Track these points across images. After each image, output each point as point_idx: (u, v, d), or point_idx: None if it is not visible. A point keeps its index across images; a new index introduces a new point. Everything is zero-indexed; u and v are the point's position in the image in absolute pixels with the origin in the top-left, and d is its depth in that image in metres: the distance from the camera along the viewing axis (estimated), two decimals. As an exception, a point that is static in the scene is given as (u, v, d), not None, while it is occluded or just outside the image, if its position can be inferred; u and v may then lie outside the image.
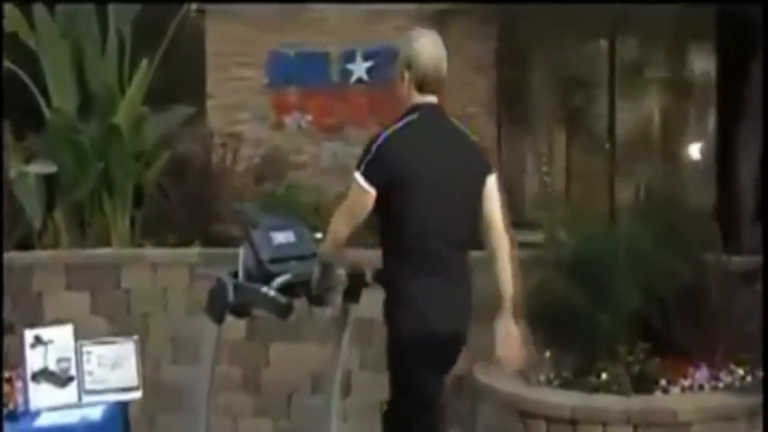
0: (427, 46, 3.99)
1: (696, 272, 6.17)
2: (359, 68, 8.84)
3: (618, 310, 5.96)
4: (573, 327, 5.92)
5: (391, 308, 3.93)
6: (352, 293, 4.61)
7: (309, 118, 8.69)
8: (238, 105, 8.96)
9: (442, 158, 3.97)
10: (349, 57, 8.86)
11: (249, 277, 4.39)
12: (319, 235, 4.76)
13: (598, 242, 6.25)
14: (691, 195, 8.67)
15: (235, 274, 4.44)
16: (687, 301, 6.13)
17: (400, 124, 3.92)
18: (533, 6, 8.16)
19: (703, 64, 9.20)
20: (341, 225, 3.92)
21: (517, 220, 4.66)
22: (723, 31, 8.42)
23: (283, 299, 4.11)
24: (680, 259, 6.13)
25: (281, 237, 4.56)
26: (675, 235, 6.29)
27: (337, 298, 4.63)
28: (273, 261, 4.37)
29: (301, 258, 4.48)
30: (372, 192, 3.86)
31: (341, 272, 4.53)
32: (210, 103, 8.97)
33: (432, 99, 4.03)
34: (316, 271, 4.39)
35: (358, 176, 3.87)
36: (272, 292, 4.11)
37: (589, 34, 8.71)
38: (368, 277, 4.57)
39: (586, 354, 6.05)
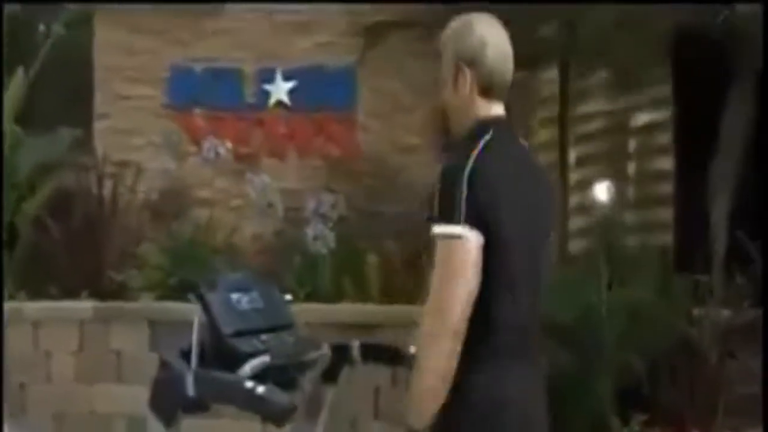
0: (495, 35, 3.00)
1: (688, 331, 6.18)
2: (279, 90, 8.06)
3: (611, 376, 5.86)
4: (564, 397, 5.33)
5: (453, 414, 2.86)
6: (330, 372, 3.73)
7: (228, 145, 7.65)
8: (134, 128, 8.07)
9: (528, 200, 2.99)
10: (267, 76, 8.09)
11: (206, 358, 3.38)
12: (289, 297, 3.82)
13: (589, 304, 6.09)
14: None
15: (187, 354, 3.37)
16: (680, 363, 6.07)
17: (479, 146, 2.89)
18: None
19: (659, 94, 8.58)
20: (452, 325, 2.81)
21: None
22: (681, 58, 7.88)
23: (282, 399, 3.07)
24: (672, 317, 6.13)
25: (246, 301, 3.64)
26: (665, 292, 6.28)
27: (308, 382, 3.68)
28: (239, 334, 3.43)
29: (275, 329, 3.58)
30: (477, 239, 2.81)
31: (325, 349, 3.65)
32: (99, 126, 8.07)
33: (501, 110, 3.02)
34: (295, 346, 3.55)
35: (458, 228, 2.79)
36: (261, 389, 3.07)
37: (538, 62, 7.96)
38: (355, 353, 3.70)
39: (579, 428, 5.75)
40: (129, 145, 7.97)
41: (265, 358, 3.35)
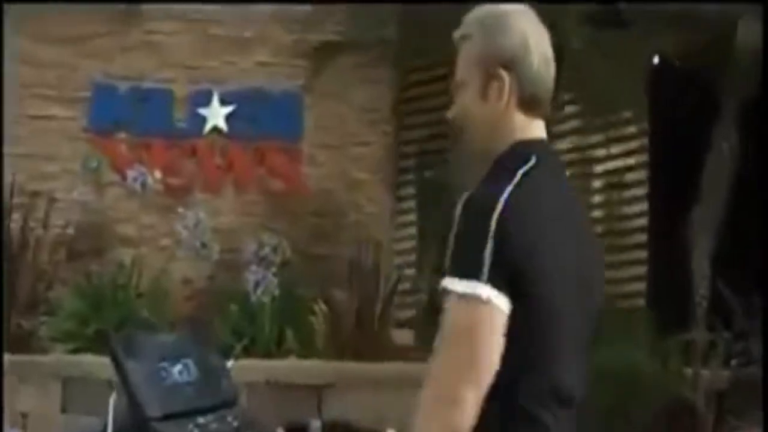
0: (538, 33, 2.40)
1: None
2: (215, 114, 7.37)
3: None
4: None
5: None
6: None
7: (157, 175, 6.92)
8: (48, 153, 7.30)
9: (576, 252, 2.39)
10: (202, 99, 7.38)
11: None
12: (230, 363, 3.16)
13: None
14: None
15: None
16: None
17: (515, 179, 2.25)
18: (439, 42, 6.86)
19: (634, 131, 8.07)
20: (462, 421, 2.16)
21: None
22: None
23: None
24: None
25: (178, 372, 2.97)
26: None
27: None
28: (168, 417, 2.83)
29: (214, 409, 2.93)
30: (506, 307, 2.18)
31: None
32: (7, 150, 7.19)
33: (543, 130, 2.40)
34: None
35: (484, 289, 2.15)
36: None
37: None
38: None
39: None
40: (42, 173, 7.22)
41: None
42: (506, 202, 2.18)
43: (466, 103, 2.34)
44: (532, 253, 2.19)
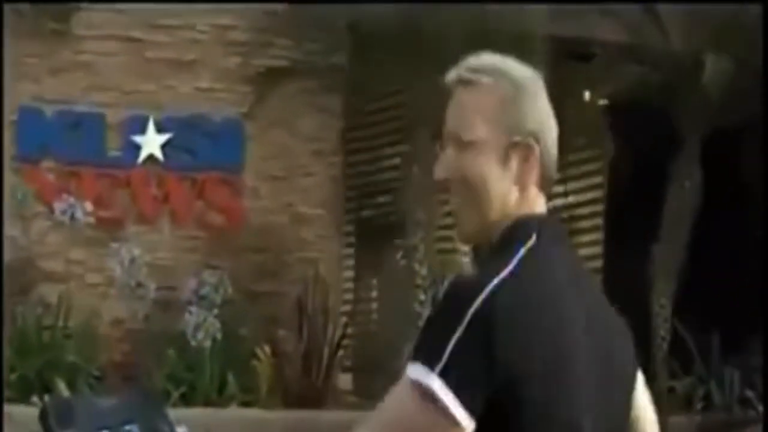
0: (548, 107, 2.03)
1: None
2: (151, 143, 6.89)
3: None
4: None
5: None
6: None
7: (87, 207, 6.40)
8: None
9: (590, 344, 1.99)
10: (137, 125, 6.90)
11: None
12: (183, 430, 2.69)
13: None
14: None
15: None
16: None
17: (512, 264, 1.86)
18: (389, 69, 6.56)
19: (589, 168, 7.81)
20: None
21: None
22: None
23: None
24: None
25: None
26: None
27: None
28: None
29: None
30: (464, 422, 1.79)
31: None
32: None
33: (544, 203, 2.03)
34: None
35: (446, 398, 1.77)
36: None
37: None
38: None
39: None
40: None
41: None
42: (489, 292, 1.81)
43: (481, 167, 1.94)
44: (531, 363, 1.82)
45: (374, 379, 6.49)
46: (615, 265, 7.52)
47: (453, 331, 1.77)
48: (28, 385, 5.64)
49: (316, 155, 6.96)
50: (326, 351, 6.12)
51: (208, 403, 5.81)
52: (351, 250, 7.16)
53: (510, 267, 1.84)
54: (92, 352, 6.16)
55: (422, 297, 6.34)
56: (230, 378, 5.93)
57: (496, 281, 1.81)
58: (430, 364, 1.76)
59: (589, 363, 1.96)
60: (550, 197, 2.02)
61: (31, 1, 6.60)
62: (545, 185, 1.96)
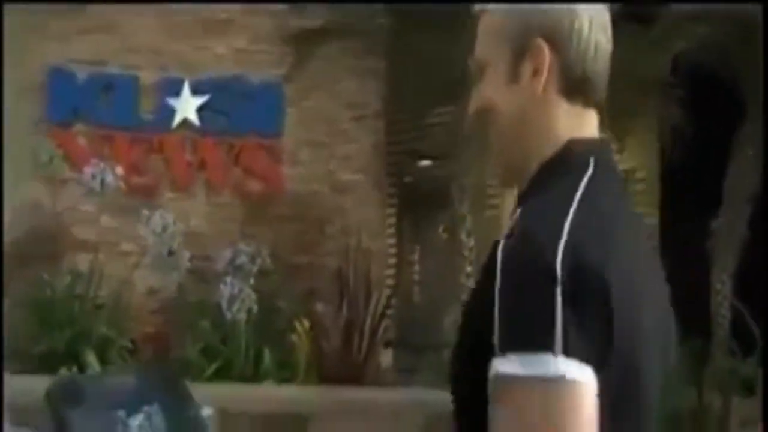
0: (592, 11, 1.75)
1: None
2: (186, 106, 6.65)
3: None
4: None
5: None
6: None
7: (119, 172, 6.18)
8: None
9: (650, 284, 1.75)
10: (172, 88, 6.66)
11: None
12: (208, 411, 2.48)
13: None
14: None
15: None
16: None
17: (576, 197, 1.60)
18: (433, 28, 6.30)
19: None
20: None
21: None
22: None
23: None
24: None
25: (136, 425, 2.27)
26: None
27: None
28: None
29: None
30: (594, 382, 1.52)
31: None
32: None
33: (595, 125, 1.75)
34: None
35: (559, 364, 1.49)
36: None
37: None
38: None
39: None
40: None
41: None
42: (570, 238, 1.53)
43: (489, 88, 1.68)
44: (612, 304, 1.54)
45: (417, 355, 6.25)
46: (672, 238, 7.22)
47: (555, 292, 1.50)
48: (56, 359, 5.44)
49: (357, 120, 6.71)
50: (367, 325, 5.86)
51: (243, 378, 5.58)
52: (393, 220, 6.88)
53: (574, 206, 1.59)
54: (124, 324, 5.95)
55: (468, 269, 6.07)
56: (266, 353, 5.69)
57: (567, 227, 1.55)
58: (543, 344, 1.48)
59: (656, 323, 1.74)
60: (603, 118, 1.77)
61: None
62: (583, 92, 1.69)
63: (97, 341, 5.71)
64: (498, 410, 1.50)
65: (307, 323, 5.77)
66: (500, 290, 1.52)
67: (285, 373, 5.70)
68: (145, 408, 2.24)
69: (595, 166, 1.65)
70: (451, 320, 5.81)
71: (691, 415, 5.68)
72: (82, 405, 2.15)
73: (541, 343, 1.46)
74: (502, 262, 1.56)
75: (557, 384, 1.45)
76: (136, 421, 2.20)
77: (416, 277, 6.90)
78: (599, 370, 1.53)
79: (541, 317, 1.47)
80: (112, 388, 2.28)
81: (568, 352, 1.44)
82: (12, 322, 5.80)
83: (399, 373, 6.27)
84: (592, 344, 1.50)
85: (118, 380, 2.39)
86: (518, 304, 1.50)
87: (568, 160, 1.66)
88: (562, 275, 1.47)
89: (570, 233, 1.51)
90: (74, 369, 5.43)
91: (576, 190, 1.59)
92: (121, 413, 2.18)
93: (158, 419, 2.24)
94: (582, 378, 1.47)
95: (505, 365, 1.47)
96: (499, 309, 1.51)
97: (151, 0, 6.52)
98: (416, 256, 6.89)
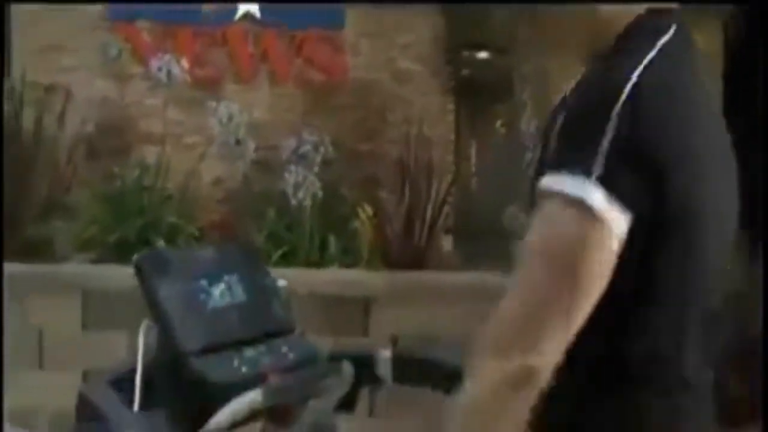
0: None
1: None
2: (248, -1, 6.69)
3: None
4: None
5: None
6: (345, 397, 2.47)
7: (185, 64, 6.30)
8: (62, 43, 6.60)
9: (720, 161, 1.83)
10: (233, -19, 6.69)
11: (156, 392, 2.21)
12: (283, 282, 2.60)
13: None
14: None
15: (124, 385, 2.19)
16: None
17: (650, 53, 1.68)
18: None
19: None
20: (544, 363, 1.62)
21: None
22: None
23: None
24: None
25: (218, 294, 2.37)
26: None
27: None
28: (209, 351, 2.24)
29: (266, 337, 2.38)
30: (624, 226, 1.62)
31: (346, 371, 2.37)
32: (17, 40, 6.59)
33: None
34: (300, 369, 2.36)
35: (595, 195, 1.60)
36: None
37: None
38: (384, 369, 2.45)
39: None
40: (56, 65, 6.56)
41: (253, 397, 2.13)
42: (638, 80, 1.60)
43: None
44: (671, 157, 1.61)
45: (476, 242, 6.35)
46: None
47: (602, 132, 1.58)
48: (128, 247, 5.63)
49: (417, 11, 6.70)
50: (429, 211, 5.97)
51: (308, 264, 5.73)
52: (452, 110, 6.92)
53: (650, 56, 1.65)
54: (192, 213, 6.11)
55: (528, 156, 6.13)
56: (331, 239, 5.83)
57: (638, 71, 1.62)
58: (585, 170, 1.57)
59: (720, 199, 1.79)
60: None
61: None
62: None
63: (167, 230, 5.88)
64: (532, 220, 1.60)
65: (369, 210, 5.89)
66: (562, 122, 1.61)
67: (349, 258, 5.85)
68: (226, 278, 2.38)
69: (675, 33, 1.71)
70: (509, 209, 5.89)
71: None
72: (168, 275, 2.29)
73: (579, 167, 1.55)
74: (569, 98, 1.65)
75: (579, 207, 1.55)
76: (218, 289, 2.34)
77: (473, 168, 6.96)
78: (647, 230, 1.61)
79: (587, 145, 1.56)
80: (195, 261, 2.42)
81: (604, 187, 1.54)
82: (87, 212, 6.01)
83: (459, 258, 6.39)
84: (635, 194, 1.58)
85: (200, 254, 2.53)
86: (572, 131, 1.60)
87: (646, 24, 1.73)
88: (620, 115, 1.56)
89: (635, 83, 1.58)
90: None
91: (651, 49, 1.66)
92: (204, 282, 2.33)
93: (238, 288, 2.39)
94: (607, 215, 1.55)
95: (545, 180, 1.57)
96: (557, 134, 1.61)
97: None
98: (474, 148, 6.93)
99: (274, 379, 2.20)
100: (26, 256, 5.63)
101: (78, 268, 5.66)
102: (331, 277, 5.58)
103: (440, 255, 6.11)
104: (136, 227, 5.82)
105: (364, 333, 5.53)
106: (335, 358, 2.41)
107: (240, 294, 2.38)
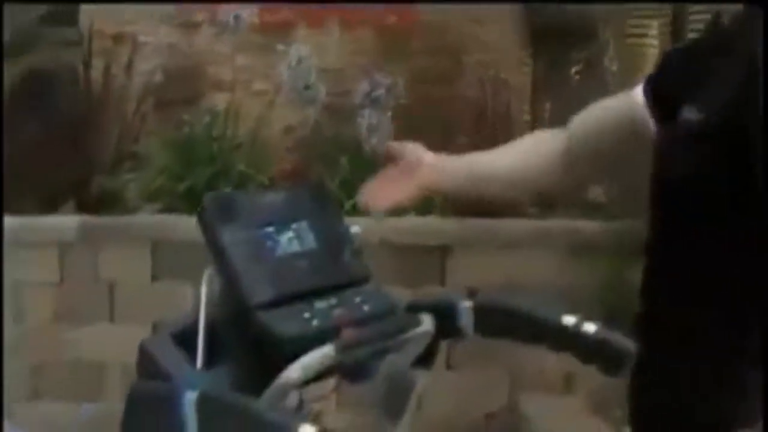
0: None
1: None
2: (317, -60, 6.45)
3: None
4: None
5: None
6: (424, 350, 2.32)
7: (253, 9, 6.15)
8: None
9: None
10: (302, -77, 6.50)
11: (220, 346, 2.05)
12: (356, 228, 2.36)
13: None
14: None
15: (183, 336, 2.06)
16: None
17: None
18: None
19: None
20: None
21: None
22: None
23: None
24: None
25: (287, 240, 2.18)
26: None
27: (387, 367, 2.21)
28: (277, 304, 2.05)
29: (338, 288, 2.17)
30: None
31: (426, 323, 2.19)
32: None
33: None
34: (375, 321, 2.14)
35: None
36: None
37: None
38: (465, 320, 2.27)
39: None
40: (124, 14, 6.49)
41: (325, 352, 1.98)
42: None
43: None
44: None
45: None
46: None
47: None
48: (197, 196, 5.52)
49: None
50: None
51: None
52: (529, 55, 6.70)
53: None
54: (262, 161, 5.97)
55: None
56: (405, 186, 5.65)
57: None
58: None
59: None
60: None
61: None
62: None
63: (236, 178, 5.75)
64: None
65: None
66: None
67: (424, 205, 5.65)
68: (294, 225, 2.22)
69: None
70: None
71: None
72: (233, 221, 2.14)
73: None
74: None
75: None
76: (285, 236, 2.19)
77: (547, 114, 6.74)
78: None
79: None
80: (262, 206, 2.26)
81: None
82: (156, 162, 5.91)
83: (535, 206, 6.19)
84: None
85: (268, 198, 2.36)
86: None
87: None
88: None
89: None
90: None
91: None
92: (271, 229, 2.17)
93: (308, 234, 2.23)
94: None
95: None
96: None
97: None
98: (551, 93, 6.71)
99: (347, 333, 2.04)
100: (97, 209, 5.56)
101: (147, 219, 5.57)
102: (406, 225, 5.40)
103: (516, 202, 5.90)
104: (206, 176, 5.70)
105: (440, 283, 5.38)
106: (413, 310, 2.25)
107: (310, 241, 2.22)
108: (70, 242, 5.34)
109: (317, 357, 1.95)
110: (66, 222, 5.44)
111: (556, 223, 5.45)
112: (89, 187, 5.69)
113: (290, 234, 2.19)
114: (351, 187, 5.68)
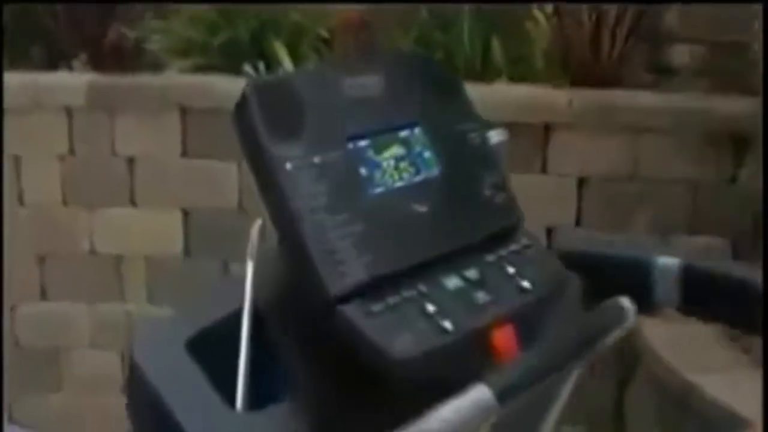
0: None
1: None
2: None
3: None
4: None
5: None
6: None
7: None
8: None
9: None
10: None
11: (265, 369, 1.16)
12: (500, 136, 1.47)
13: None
14: None
15: (206, 345, 1.17)
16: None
17: None
18: None
19: None
20: None
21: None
22: None
23: None
24: None
25: (389, 164, 1.25)
26: None
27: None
28: (375, 289, 1.14)
29: (478, 247, 1.29)
30: None
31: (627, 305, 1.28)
32: None
33: None
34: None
35: None
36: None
37: None
38: (664, 288, 1.46)
39: None
40: None
41: (478, 398, 1.07)
42: None
43: None
44: None
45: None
46: None
47: None
48: (239, 51, 4.64)
49: None
50: (627, 16, 4.77)
51: (467, 76, 4.65)
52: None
53: None
54: (320, 9, 5.06)
55: None
56: (495, 44, 4.75)
57: None
58: None
59: None
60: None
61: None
62: None
63: (288, 30, 4.86)
64: None
65: (548, 7, 4.77)
66: None
67: (520, 68, 4.76)
68: (403, 133, 1.31)
69: None
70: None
71: None
72: (297, 130, 1.23)
73: None
74: None
75: None
76: (387, 156, 1.28)
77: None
78: None
79: None
80: (342, 97, 1.34)
81: None
82: (185, 11, 5.00)
83: (654, 72, 5.23)
84: None
85: (350, 83, 1.42)
86: None
87: None
88: None
89: None
90: (260, 65, 4.64)
91: None
92: (363, 143, 1.26)
93: (423, 151, 1.31)
94: None
95: None
96: None
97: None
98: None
99: (507, 349, 1.14)
100: (113, 65, 4.73)
101: (175, 79, 4.69)
102: (497, 94, 4.48)
103: (636, 70, 4.92)
104: (250, 27, 4.80)
105: (542, 169, 4.49)
106: (605, 285, 1.34)
107: (430, 163, 1.30)
108: (81, 106, 4.57)
109: (467, 407, 1.05)
110: (76, 81, 4.66)
111: (682, 99, 4.54)
112: (104, 38, 4.83)
113: (396, 151, 1.27)
114: (429, 43, 4.81)
